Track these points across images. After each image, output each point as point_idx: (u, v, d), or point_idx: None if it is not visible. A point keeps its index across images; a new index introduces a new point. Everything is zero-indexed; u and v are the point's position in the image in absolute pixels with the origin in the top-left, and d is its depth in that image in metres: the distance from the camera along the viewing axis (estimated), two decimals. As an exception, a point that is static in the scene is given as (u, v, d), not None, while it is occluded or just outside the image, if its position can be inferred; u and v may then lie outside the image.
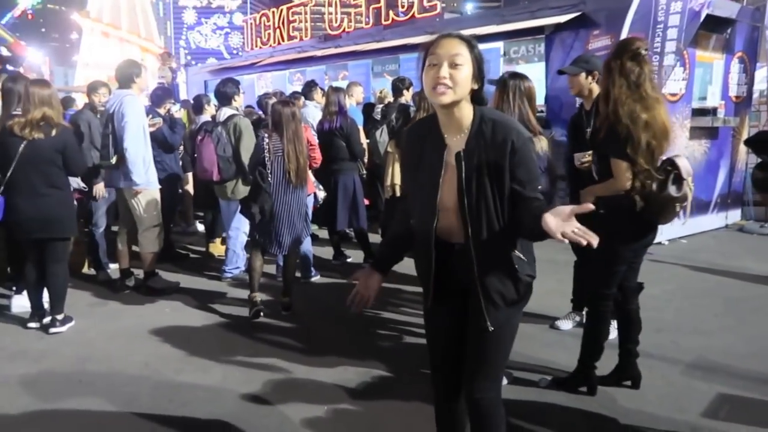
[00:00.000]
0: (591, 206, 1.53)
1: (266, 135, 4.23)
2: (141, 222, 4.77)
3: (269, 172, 4.16)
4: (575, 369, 3.09)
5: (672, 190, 2.67)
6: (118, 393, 3.15)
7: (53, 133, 3.84)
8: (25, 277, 4.15)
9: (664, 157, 2.82)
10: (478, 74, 1.78)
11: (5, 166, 3.83)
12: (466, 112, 1.80)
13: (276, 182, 4.17)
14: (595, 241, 1.48)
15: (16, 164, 3.80)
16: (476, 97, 1.80)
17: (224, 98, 5.17)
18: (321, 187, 5.34)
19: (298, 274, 4.87)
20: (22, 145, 3.79)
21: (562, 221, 1.53)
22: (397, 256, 2.07)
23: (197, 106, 6.20)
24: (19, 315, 4.31)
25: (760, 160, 3.23)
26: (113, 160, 4.65)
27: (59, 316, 4.06)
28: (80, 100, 9.71)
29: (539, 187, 1.82)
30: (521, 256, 1.84)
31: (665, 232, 6.39)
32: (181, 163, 6.63)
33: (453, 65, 1.72)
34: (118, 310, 4.54)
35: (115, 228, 5.73)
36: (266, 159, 4.15)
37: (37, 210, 3.87)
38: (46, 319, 4.08)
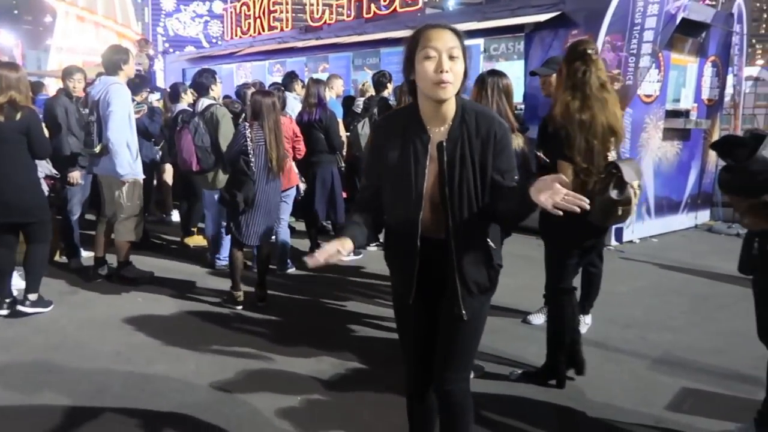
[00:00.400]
0: (567, 168, 1.58)
1: (247, 125, 4.23)
2: (122, 210, 4.70)
3: (252, 161, 4.16)
4: (544, 363, 3.15)
5: (613, 193, 2.65)
6: (89, 382, 3.11)
7: (18, 116, 3.78)
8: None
9: (614, 155, 2.86)
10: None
11: None
12: (452, 104, 1.80)
13: (258, 172, 4.18)
14: (585, 203, 1.53)
15: None
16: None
17: (201, 88, 5.13)
18: (303, 179, 5.33)
19: (273, 266, 4.86)
20: None
21: (549, 192, 1.56)
22: (363, 241, 1.90)
23: (174, 94, 6.12)
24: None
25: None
26: (97, 149, 4.58)
27: (32, 296, 4.03)
28: (53, 86, 9.52)
29: (515, 177, 1.84)
30: (492, 244, 1.88)
31: (636, 231, 6.54)
32: (160, 153, 6.56)
33: (451, 58, 1.71)
34: (90, 299, 4.48)
35: (88, 216, 5.65)
36: (249, 149, 4.15)
37: (2, 193, 3.80)
38: (19, 306, 4.02)
